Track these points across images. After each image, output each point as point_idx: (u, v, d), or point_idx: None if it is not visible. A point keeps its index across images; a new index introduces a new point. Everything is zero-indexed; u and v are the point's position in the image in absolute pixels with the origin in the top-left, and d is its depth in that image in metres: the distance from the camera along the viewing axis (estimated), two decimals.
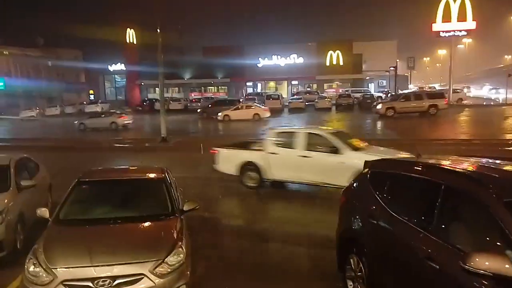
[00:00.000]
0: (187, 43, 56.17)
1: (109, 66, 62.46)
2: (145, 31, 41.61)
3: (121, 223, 4.86)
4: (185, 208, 5.24)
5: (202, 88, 61.48)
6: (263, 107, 33.10)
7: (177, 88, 61.87)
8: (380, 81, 60.88)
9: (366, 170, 4.98)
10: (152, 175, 5.85)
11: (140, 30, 53.97)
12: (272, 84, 60.75)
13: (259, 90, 59.38)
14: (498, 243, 2.87)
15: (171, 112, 34.93)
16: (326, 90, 56.05)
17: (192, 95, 59.14)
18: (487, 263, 2.64)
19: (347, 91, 47.90)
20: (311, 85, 58.30)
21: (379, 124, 26.71)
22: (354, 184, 5.14)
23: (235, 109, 31.74)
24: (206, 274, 5.28)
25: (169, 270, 4.24)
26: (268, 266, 5.72)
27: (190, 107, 46.49)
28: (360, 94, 44.72)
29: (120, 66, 61.64)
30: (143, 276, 4.13)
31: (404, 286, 3.77)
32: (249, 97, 48.15)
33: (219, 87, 61.76)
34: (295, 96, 46.09)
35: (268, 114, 30.90)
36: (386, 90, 53.61)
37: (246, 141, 11.68)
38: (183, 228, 4.91)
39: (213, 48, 57.49)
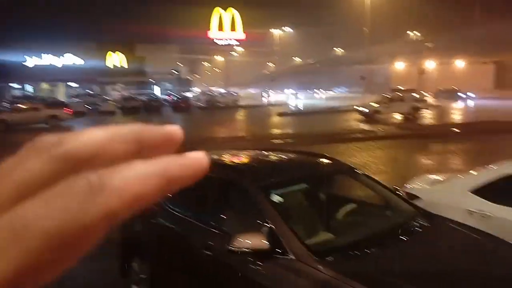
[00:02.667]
0: None
1: None
2: None
3: None
4: None
5: None
6: None
7: None
8: (164, 83, 62.17)
9: None
10: None
11: None
12: (46, 86, 54.32)
13: (30, 92, 52.23)
14: (258, 223, 3.27)
15: None
16: (109, 93, 53.72)
17: None
18: (247, 241, 2.96)
19: (132, 93, 47.13)
20: (92, 87, 54.83)
21: (174, 123, 27.11)
22: None
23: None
24: None
25: None
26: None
27: None
28: (146, 96, 44.66)
29: None
30: None
31: (185, 280, 3.91)
32: (15, 100, 41.76)
33: None
34: (74, 99, 42.44)
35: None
36: (170, 92, 55.16)
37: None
38: None
39: None
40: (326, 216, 3.68)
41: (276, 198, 3.49)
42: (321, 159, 4.38)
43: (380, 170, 10.93)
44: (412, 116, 27.28)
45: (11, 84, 52.71)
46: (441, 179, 5.08)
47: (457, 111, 33.85)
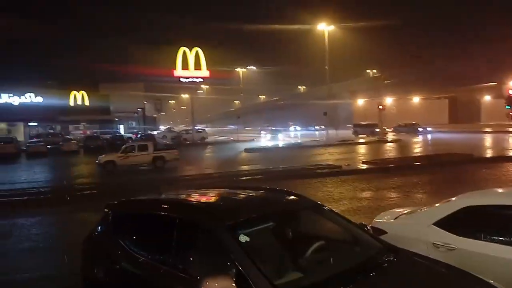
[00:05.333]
0: None
1: None
2: None
3: None
4: None
5: None
6: None
7: None
8: (129, 122, 61.39)
9: (108, 212, 4.74)
10: None
11: None
12: (3, 125, 52.25)
13: None
14: (225, 265, 3.18)
15: None
16: (72, 132, 52.36)
17: None
18: (216, 285, 2.86)
19: (95, 132, 46.16)
20: (53, 126, 53.28)
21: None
22: (97, 230, 4.80)
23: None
24: None
25: None
26: None
27: None
28: (110, 135, 43.82)
29: None
30: None
31: None
32: None
33: None
34: (34, 139, 40.98)
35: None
36: (135, 131, 54.46)
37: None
38: None
39: None
40: (294, 254, 3.63)
41: (243, 237, 3.42)
42: (287, 196, 4.37)
43: (346, 205, 11.04)
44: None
45: None
46: (405, 213, 5.18)
47: (416, 144, 35.21)
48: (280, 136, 47.55)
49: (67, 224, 10.97)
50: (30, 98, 50.62)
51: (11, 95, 49.83)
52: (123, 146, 23.86)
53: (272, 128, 53.22)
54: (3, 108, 48.92)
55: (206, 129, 64.45)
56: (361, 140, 39.85)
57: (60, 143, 39.28)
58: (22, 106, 49.97)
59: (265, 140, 42.92)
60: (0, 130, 51.31)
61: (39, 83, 51.17)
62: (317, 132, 47.97)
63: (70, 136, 46.80)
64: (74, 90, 52.30)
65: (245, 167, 21.80)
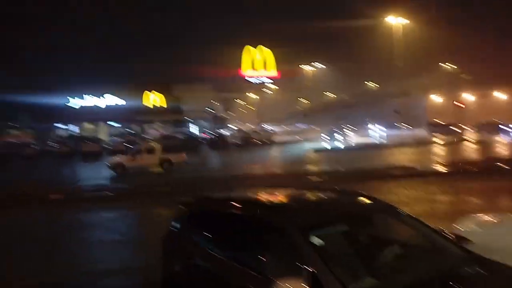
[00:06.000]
0: None
1: None
2: None
3: None
4: None
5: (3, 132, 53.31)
6: None
7: None
8: (201, 122, 63.62)
9: (185, 210, 4.96)
10: None
11: None
12: (88, 125, 56.93)
13: (74, 132, 54.86)
14: (298, 266, 3.18)
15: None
16: (148, 131, 55.48)
17: None
18: (288, 286, 2.87)
19: (170, 132, 48.47)
20: (132, 126, 56.90)
21: (211, 160, 27.74)
22: (174, 226, 5.04)
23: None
24: None
25: None
26: None
27: None
28: (184, 135, 45.75)
29: None
30: None
31: None
32: (61, 140, 43.97)
33: (25, 130, 54.60)
34: (115, 138, 44.06)
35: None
36: (206, 130, 56.32)
37: None
38: None
39: (15, 84, 50.47)
40: (369, 259, 3.52)
41: (316, 240, 3.40)
42: (361, 198, 4.25)
43: (421, 209, 10.49)
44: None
45: (56, 124, 55.64)
46: (493, 220, 4.78)
47: (501, 145, 32.41)
48: (349, 135, 46.38)
49: (146, 218, 11.67)
50: (112, 100, 54.51)
51: (93, 96, 54.00)
52: (132, 149, 25.08)
53: (342, 127, 51.93)
54: (89, 110, 53.26)
55: (274, 128, 64.78)
56: (438, 140, 37.57)
57: (138, 142, 41.79)
58: (105, 107, 53.99)
59: (333, 140, 42.10)
60: (88, 129, 55.98)
61: (118, 85, 54.96)
62: (390, 132, 45.98)
63: (146, 136, 49.65)
64: (150, 91, 55.37)
65: (313, 168, 21.59)
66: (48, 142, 45.16)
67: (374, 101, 68.47)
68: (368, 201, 4.15)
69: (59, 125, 56.04)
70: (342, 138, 43.34)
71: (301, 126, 62.52)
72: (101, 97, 53.85)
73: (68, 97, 52.83)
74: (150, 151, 23.27)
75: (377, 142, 36.60)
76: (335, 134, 46.16)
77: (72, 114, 52.94)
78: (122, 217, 12.21)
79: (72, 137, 46.86)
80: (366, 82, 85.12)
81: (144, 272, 6.82)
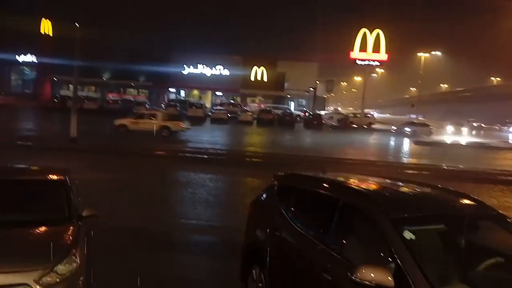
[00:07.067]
0: (113, 42, 53.52)
1: (17, 56, 56.86)
2: (63, 24, 38.95)
3: (7, 227, 4.39)
4: (85, 214, 4.89)
5: (122, 89, 59.12)
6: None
7: (94, 87, 58.77)
8: (300, 100, 63.50)
9: (274, 183, 5.07)
10: (49, 176, 5.39)
11: (58, 22, 50.36)
12: (196, 92, 60.43)
13: (182, 97, 58.78)
14: (383, 256, 3.08)
15: (85, 112, 32.55)
16: (248, 104, 57.07)
17: (110, 96, 56.51)
18: (372, 275, 2.81)
19: (268, 107, 49.26)
20: (234, 97, 59.00)
21: (303, 139, 27.92)
22: (262, 196, 5.20)
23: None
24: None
25: (57, 280, 3.88)
26: (172, 277, 5.56)
27: (107, 108, 44.34)
28: (281, 111, 46.20)
29: (30, 58, 56.58)
30: (26, 286, 3.76)
31: None
32: (171, 103, 47.43)
33: (140, 90, 59.88)
34: (218, 107, 46.21)
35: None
36: (304, 109, 56.11)
37: None
38: (80, 235, 4.58)
39: (139, 50, 55.40)
40: (464, 264, 3.27)
41: (408, 234, 3.24)
42: (464, 199, 3.92)
43: None
44: None
45: (170, 90, 60.22)
46: None
47: None
48: (462, 131, 42.58)
49: (236, 184, 12.24)
50: (219, 70, 56.88)
51: (206, 66, 56.85)
52: (135, 113, 26.29)
53: (456, 122, 47.53)
54: (197, 77, 56.40)
55: (376, 114, 62.10)
56: None
57: (238, 113, 43.34)
58: (211, 77, 56.64)
59: (444, 133, 39.00)
60: (194, 96, 59.55)
61: (227, 58, 57.00)
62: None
63: (247, 107, 51.17)
64: (256, 65, 56.47)
65: (410, 160, 20.39)
66: (161, 104, 49.11)
67: (496, 97, 61.62)
68: (472, 204, 3.81)
69: (171, 90, 60.43)
70: (454, 132, 40.00)
71: (408, 115, 58.94)
72: (213, 68, 56.55)
73: (184, 66, 56.37)
74: (152, 117, 24.46)
75: (490, 142, 33.05)
76: (447, 128, 42.79)
77: (183, 81, 56.58)
78: (218, 179, 12.94)
79: (181, 101, 50.26)
80: (488, 77, 76.58)
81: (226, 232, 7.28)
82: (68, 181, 5.31)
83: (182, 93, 60.79)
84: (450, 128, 43.33)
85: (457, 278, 3.12)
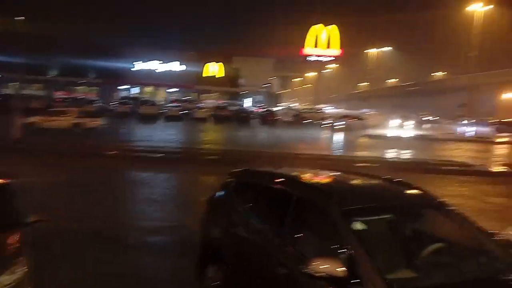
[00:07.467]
0: (61, 38, 51.00)
1: None
2: (7, 18, 36.69)
3: None
4: (31, 219, 4.65)
5: (70, 87, 56.71)
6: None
7: (41, 85, 55.95)
8: (256, 96, 63.83)
9: (231, 179, 5.08)
10: None
11: (0, 16, 47.33)
12: (149, 89, 59.10)
13: (135, 94, 57.29)
14: (336, 248, 3.18)
15: (31, 112, 30.86)
16: (204, 100, 56.64)
17: (57, 94, 54.01)
18: (324, 266, 2.89)
19: (224, 103, 49.16)
20: (190, 94, 58.32)
21: (259, 135, 28.11)
22: (218, 193, 5.20)
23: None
24: None
25: None
26: (127, 278, 5.45)
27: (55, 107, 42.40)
28: (237, 107, 46.25)
29: None
30: None
31: None
32: (122, 101, 46.11)
33: (90, 88, 57.73)
34: (172, 104, 45.45)
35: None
36: (260, 105, 56.49)
37: None
38: (27, 242, 4.36)
39: (88, 46, 53.24)
40: (410, 251, 3.45)
41: (358, 224, 3.36)
42: (409, 189, 4.12)
43: (473, 207, 9.99)
44: None
45: (120, 87, 58.41)
46: None
47: None
48: (409, 124, 44.52)
49: (191, 182, 12.12)
50: (173, 66, 55.92)
51: (159, 62, 55.72)
52: (48, 110, 25.88)
53: (406, 115, 49.51)
54: (150, 74, 55.20)
55: (330, 109, 63.61)
56: (504, 140, 35.15)
57: (193, 110, 42.90)
58: (165, 73, 55.64)
59: (391, 127, 40.60)
60: (147, 93, 58.21)
61: (181, 53, 56.20)
62: (453, 126, 43.53)
63: (202, 104, 50.77)
64: (211, 61, 56.12)
65: (361, 153, 21.10)
66: (110, 101, 47.62)
67: (439, 91, 64.93)
68: (417, 193, 4.02)
69: (122, 86, 58.70)
70: (401, 126, 41.76)
71: (357, 109, 60.75)
72: (166, 64, 55.47)
73: (133, 62, 54.89)
74: (65, 114, 24.18)
75: (437, 135, 34.89)
76: (393, 121, 44.57)
77: (136, 78, 55.15)
78: (172, 178, 12.73)
79: (133, 99, 48.98)
80: (432, 72, 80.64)
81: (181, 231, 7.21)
82: (10, 185, 5.03)
83: (135, 90, 59.19)
84: (397, 121, 45.04)
85: (404, 265, 3.28)
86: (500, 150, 27.86)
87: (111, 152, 15.97)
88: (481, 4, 42.12)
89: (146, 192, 10.60)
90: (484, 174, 15.65)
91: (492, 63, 55.68)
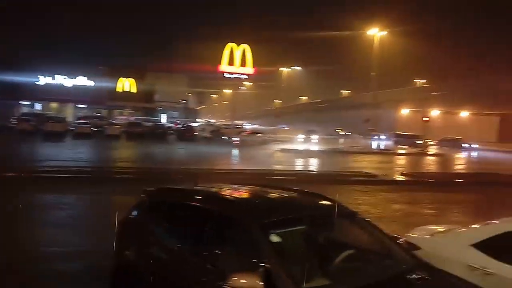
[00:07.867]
0: None
1: None
2: None
3: None
4: None
5: None
6: None
7: None
8: (171, 112, 62.77)
9: (145, 198, 4.88)
10: None
11: None
12: (54, 105, 55.08)
13: (38, 110, 52.97)
14: (255, 262, 3.20)
15: None
16: (116, 117, 54.24)
17: None
18: (242, 281, 2.89)
19: (138, 119, 47.61)
20: (101, 110, 55.47)
21: (175, 151, 27.45)
22: (132, 214, 4.95)
23: None
24: None
25: None
26: None
27: None
28: (152, 123, 45.03)
29: None
30: None
31: None
32: (23, 117, 42.35)
33: None
34: (81, 120, 42.79)
35: None
36: (176, 121, 55.66)
37: None
38: None
39: None
40: (324, 260, 3.59)
41: (274, 237, 3.42)
42: (322, 200, 4.31)
43: (377, 216, 10.80)
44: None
45: (22, 102, 53.57)
46: (442, 230, 5.00)
47: (459, 161, 33.80)
48: (319, 139, 46.99)
49: (103, 203, 11.41)
50: (82, 81, 52.84)
51: (66, 77, 52.25)
52: None
53: (312, 130, 52.29)
54: (56, 89, 51.46)
55: (245, 125, 64.75)
56: (402, 151, 38.73)
57: (105, 126, 40.83)
58: (73, 88, 52.32)
59: (303, 141, 42.52)
60: (52, 109, 54.09)
61: (91, 68, 53.41)
62: (359, 139, 46.82)
63: (114, 121, 48.53)
64: (123, 76, 54.13)
65: (278, 167, 21.76)
66: (11, 118, 43.48)
67: (346, 108, 69.76)
68: (328, 204, 4.21)
69: (25, 102, 54.00)
70: (311, 140, 43.92)
71: (273, 125, 62.87)
72: (72, 78, 52.17)
73: (38, 76, 50.84)
74: None
75: (344, 147, 37.28)
76: (306, 136, 46.75)
77: (39, 93, 51.05)
78: (82, 199, 11.90)
79: (37, 115, 45.19)
80: (340, 90, 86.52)
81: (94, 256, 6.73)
82: None
83: (38, 106, 54.73)
84: (303, 136, 47.04)
85: (319, 273, 3.40)
86: (401, 161, 30.63)
87: (9, 174, 14.46)
88: (378, 29, 46.51)
89: (53, 215, 9.75)
90: (386, 183, 17.02)
91: (392, 82, 61.53)
